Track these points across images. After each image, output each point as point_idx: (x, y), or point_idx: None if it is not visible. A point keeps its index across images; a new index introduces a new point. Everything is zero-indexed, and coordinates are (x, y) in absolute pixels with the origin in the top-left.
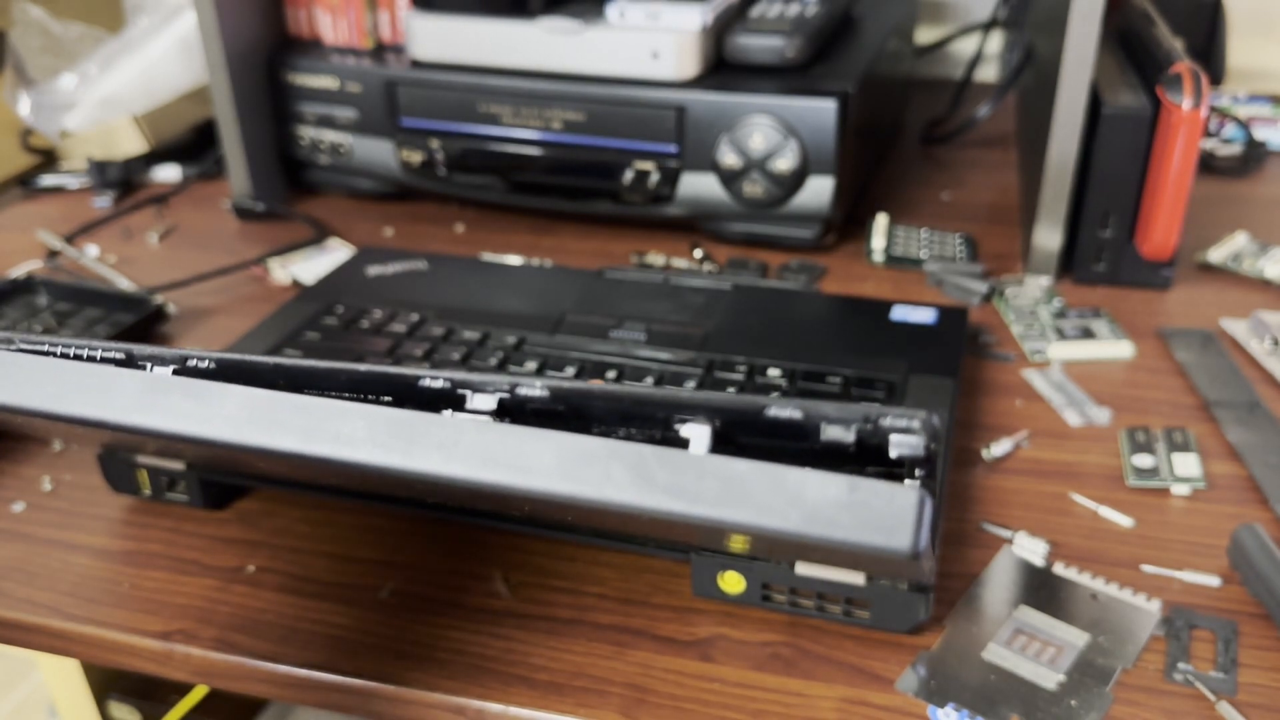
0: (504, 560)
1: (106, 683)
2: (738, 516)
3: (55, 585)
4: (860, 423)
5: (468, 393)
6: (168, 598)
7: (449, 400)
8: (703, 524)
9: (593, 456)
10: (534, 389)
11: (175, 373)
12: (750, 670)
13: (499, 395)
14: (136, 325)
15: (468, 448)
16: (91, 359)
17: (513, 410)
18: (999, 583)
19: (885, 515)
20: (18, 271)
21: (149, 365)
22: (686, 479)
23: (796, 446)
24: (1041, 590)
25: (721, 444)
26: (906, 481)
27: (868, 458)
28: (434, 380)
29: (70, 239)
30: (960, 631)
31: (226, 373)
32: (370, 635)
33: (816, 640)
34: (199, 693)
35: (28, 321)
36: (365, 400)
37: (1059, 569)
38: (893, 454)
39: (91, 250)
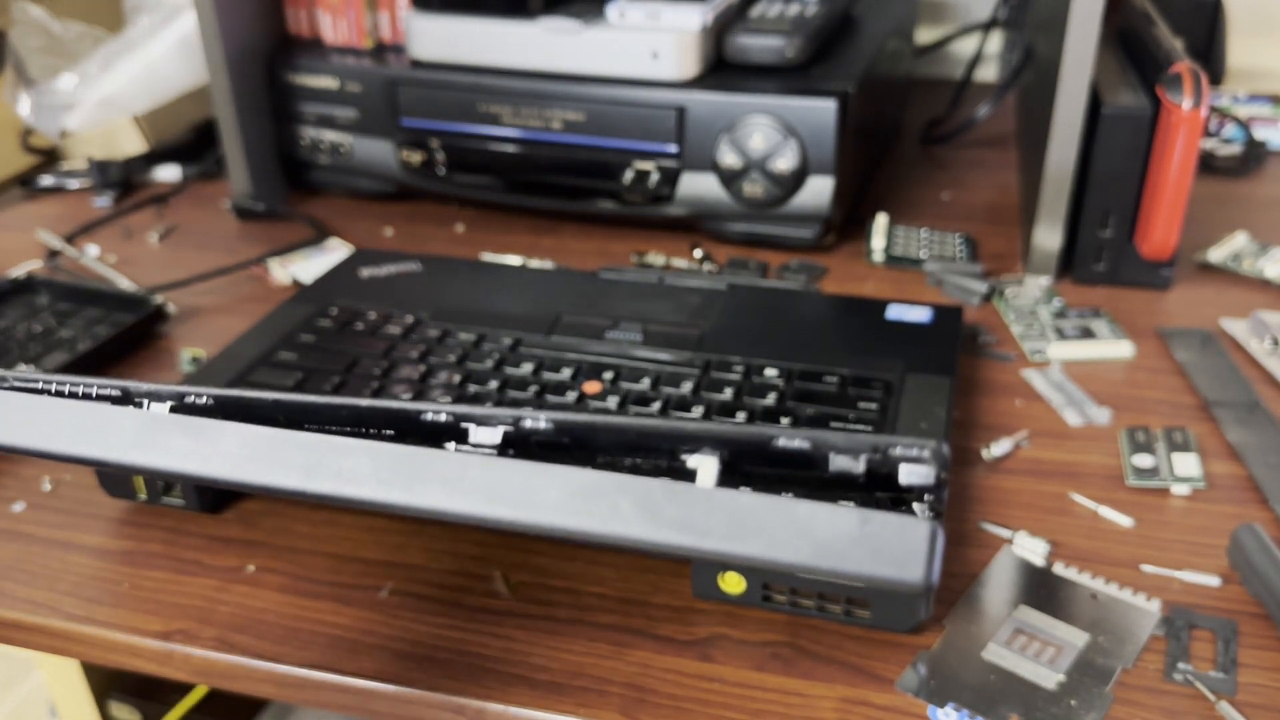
0: (504, 560)
1: (106, 683)
2: (748, 550)
3: (55, 585)
4: (869, 453)
5: (471, 426)
6: (168, 598)
7: (452, 434)
8: (713, 558)
9: (599, 491)
10: (539, 422)
11: (173, 409)
12: (750, 670)
13: (503, 428)
14: (136, 325)
15: (473, 483)
16: (87, 396)
17: (517, 443)
18: (999, 582)
19: (897, 548)
20: (18, 271)
21: (145, 402)
22: (695, 513)
23: (805, 475)
24: (1041, 590)
25: (729, 474)
26: (916, 508)
27: (876, 484)
28: (437, 414)
29: (70, 239)
30: (960, 631)
31: (225, 409)
32: (370, 635)
33: (816, 640)
34: (199, 693)
35: (28, 322)
36: (367, 435)
37: (1059, 569)
38: (902, 482)
39: (92, 250)
